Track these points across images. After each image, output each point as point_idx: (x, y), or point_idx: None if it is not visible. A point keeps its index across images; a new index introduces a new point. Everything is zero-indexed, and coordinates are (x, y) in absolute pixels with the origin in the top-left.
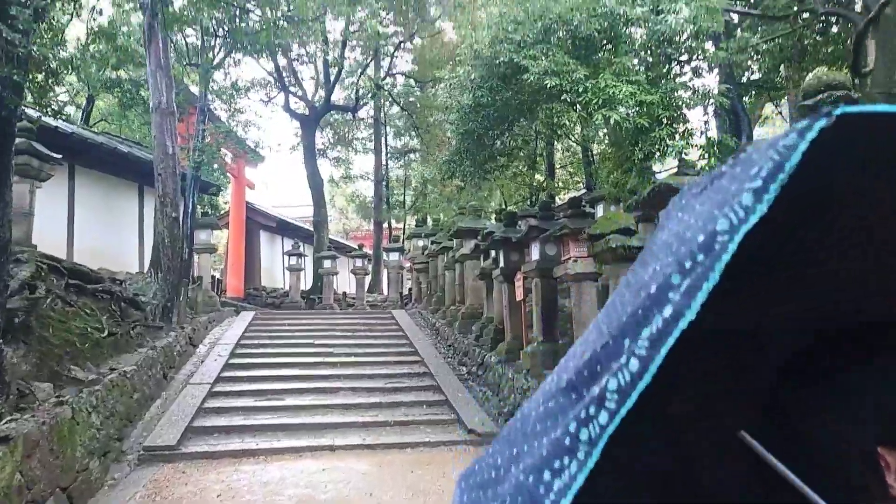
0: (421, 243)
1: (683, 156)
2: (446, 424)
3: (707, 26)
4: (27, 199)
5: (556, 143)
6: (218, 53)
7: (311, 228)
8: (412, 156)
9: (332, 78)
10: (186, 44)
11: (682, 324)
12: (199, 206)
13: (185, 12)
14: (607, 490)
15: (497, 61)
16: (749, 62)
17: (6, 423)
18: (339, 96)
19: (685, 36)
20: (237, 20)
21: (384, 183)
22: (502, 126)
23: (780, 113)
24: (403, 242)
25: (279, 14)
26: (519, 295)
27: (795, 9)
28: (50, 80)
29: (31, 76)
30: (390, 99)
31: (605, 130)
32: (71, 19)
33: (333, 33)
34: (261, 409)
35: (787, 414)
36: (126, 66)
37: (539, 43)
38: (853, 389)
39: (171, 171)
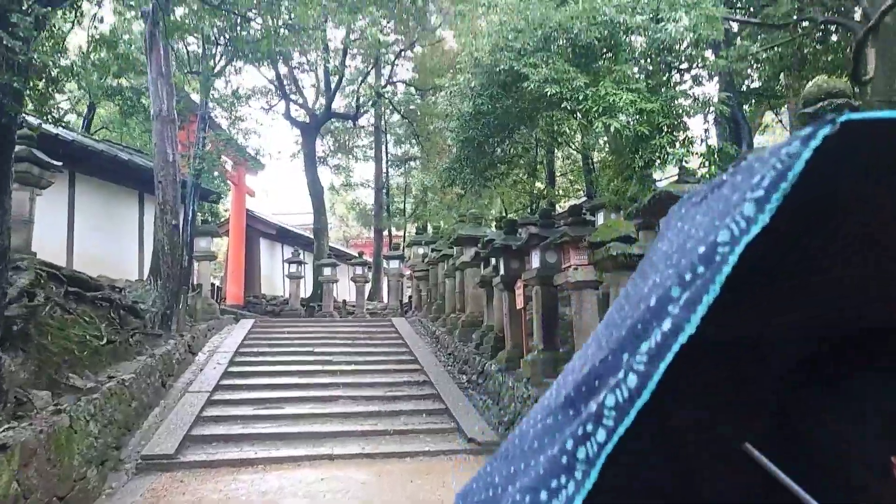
0: (421, 251)
1: (684, 164)
2: (446, 433)
3: (707, 35)
4: (27, 206)
5: (556, 150)
6: (219, 61)
7: (312, 236)
8: (412, 163)
9: (333, 86)
10: (188, 52)
11: (682, 338)
12: (199, 214)
13: (187, 21)
14: None
15: (497, 69)
16: (749, 70)
17: (3, 431)
18: (339, 104)
19: (685, 44)
20: (238, 28)
21: (384, 191)
22: (502, 134)
23: (781, 121)
24: (403, 250)
25: (280, 22)
26: (519, 303)
27: (795, 18)
28: (50, 88)
29: (31, 84)
30: (391, 107)
31: (605, 138)
32: (72, 27)
33: (334, 41)
34: (260, 418)
35: (789, 419)
36: (127, 74)
37: (539, 51)
38: (857, 396)
39: (172, 179)
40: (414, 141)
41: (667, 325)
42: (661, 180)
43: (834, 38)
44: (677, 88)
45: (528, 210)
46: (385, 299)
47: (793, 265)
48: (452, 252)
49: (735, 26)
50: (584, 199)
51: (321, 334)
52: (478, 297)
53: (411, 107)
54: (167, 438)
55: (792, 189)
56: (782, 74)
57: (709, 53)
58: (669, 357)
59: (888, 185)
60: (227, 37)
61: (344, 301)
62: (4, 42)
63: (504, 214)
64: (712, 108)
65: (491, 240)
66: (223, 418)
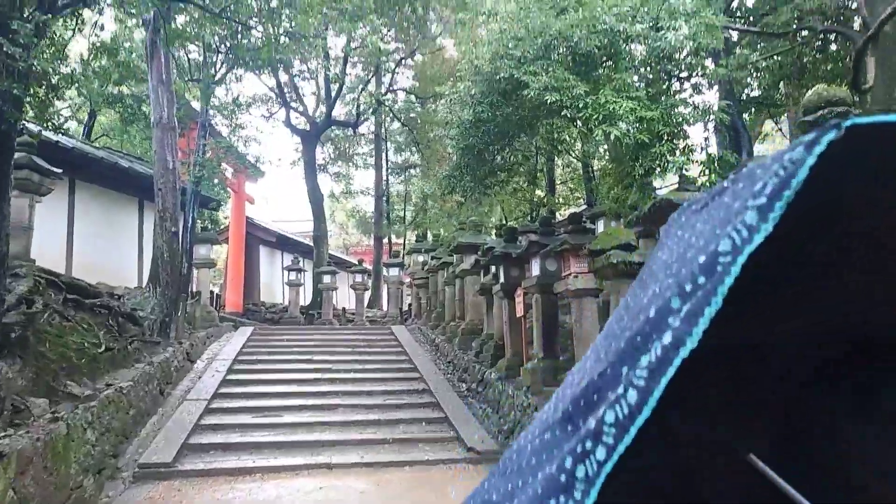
0: (421, 259)
1: (684, 172)
2: (445, 442)
3: (707, 43)
4: (27, 213)
5: (556, 158)
6: (220, 69)
7: (311, 243)
8: (413, 171)
9: (334, 94)
10: (188, 60)
11: (683, 352)
12: (198, 221)
13: (188, 28)
14: None
15: (497, 77)
16: (749, 79)
17: (0, 439)
18: (340, 112)
19: (685, 53)
20: (239, 36)
21: (384, 198)
22: (503, 141)
23: (780, 130)
24: (403, 258)
25: (281, 30)
26: (519, 311)
27: (794, 27)
28: (50, 95)
29: (31, 90)
30: (391, 114)
31: (605, 146)
32: (73, 35)
33: (335, 49)
34: (258, 426)
35: (794, 427)
36: (128, 81)
37: (539, 59)
38: (865, 402)
39: (172, 186)
40: (414, 149)
41: (667, 338)
42: (661, 188)
43: (833, 47)
44: (677, 97)
45: (528, 218)
46: (385, 307)
47: (796, 271)
48: (452, 260)
49: (735, 35)
50: (585, 207)
51: (320, 342)
52: (477, 305)
53: (411, 115)
54: (165, 447)
55: (795, 195)
56: (782, 83)
57: (709, 62)
58: (671, 372)
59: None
60: (228, 45)
61: (343, 309)
62: (5, 49)
63: (504, 222)
64: (712, 117)
65: (491, 247)
66: (221, 426)
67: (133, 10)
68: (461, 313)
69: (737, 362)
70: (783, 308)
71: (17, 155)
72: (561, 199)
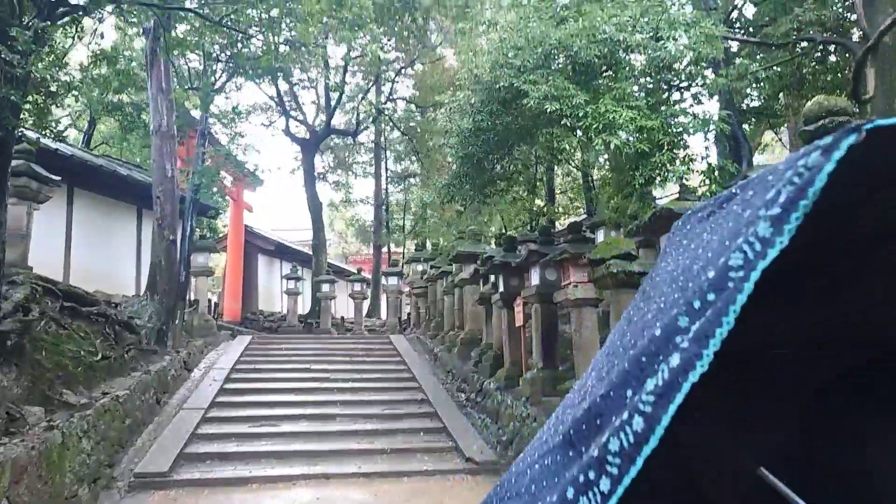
0: (420, 268)
1: (684, 181)
2: (444, 452)
3: (706, 53)
4: (24, 220)
5: (556, 167)
6: (219, 78)
7: (310, 252)
8: (412, 180)
9: (333, 102)
10: (188, 68)
11: (693, 377)
12: (197, 229)
13: (188, 37)
14: None
15: (497, 86)
16: (749, 89)
17: None
18: (339, 120)
19: (685, 63)
20: (239, 45)
21: (384, 207)
22: (502, 150)
23: (780, 140)
24: (402, 267)
25: (280, 39)
26: (518, 320)
27: (794, 37)
28: (49, 102)
29: (30, 97)
30: (391, 123)
31: (605, 156)
32: (73, 43)
33: (335, 58)
34: (255, 436)
35: (804, 438)
36: (128, 89)
37: (539, 68)
38: (881, 412)
39: (170, 194)
40: (414, 157)
41: (675, 360)
42: (661, 198)
43: (833, 58)
44: (677, 106)
45: (528, 227)
46: (383, 316)
47: (810, 276)
48: (451, 269)
49: (735, 46)
50: (584, 216)
51: (318, 351)
52: (477, 315)
53: (411, 123)
54: (161, 456)
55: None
56: (782, 94)
57: (709, 72)
58: (679, 398)
59: None
60: (228, 53)
61: (342, 318)
62: (3, 55)
63: (503, 231)
64: (712, 127)
65: (490, 257)
66: (218, 436)
67: (133, 19)
68: (460, 323)
69: (746, 371)
70: (796, 314)
71: (15, 162)
72: (561, 209)
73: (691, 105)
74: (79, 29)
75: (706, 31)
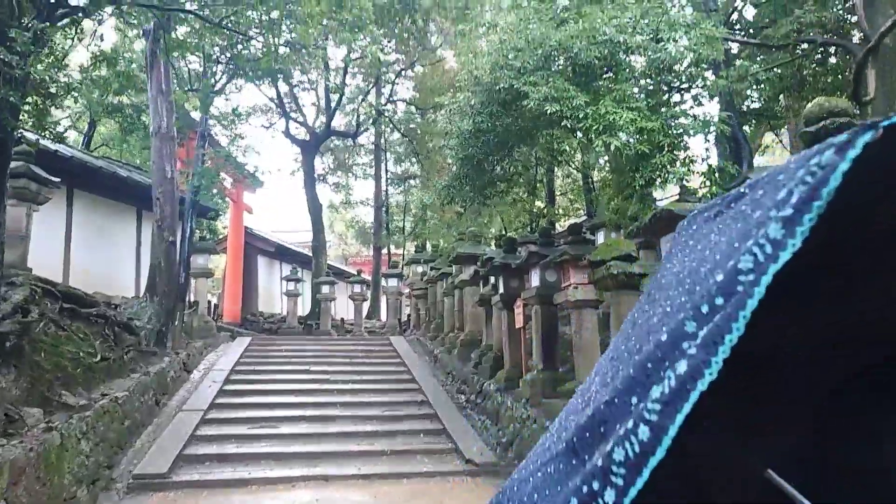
0: (420, 269)
1: (684, 183)
2: (444, 454)
3: (707, 55)
4: (24, 222)
5: (556, 169)
6: (219, 79)
7: (310, 254)
8: (412, 182)
9: (333, 104)
10: (188, 70)
11: (701, 385)
12: (197, 231)
13: (188, 39)
14: None
15: (497, 87)
16: (749, 91)
17: None
18: (339, 122)
19: (685, 64)
20: (239, 47)
21: (384, 209)
22: (502, 152)
23: (781, 142)
24: (402, 268)
25: (281, 41)
26: (518, 322)
27: (794, 39)
28: (48, 104)
29: (29, 99)
30: (391, 125)
31: (605, 157)
32: (73, 44)
33: (335, 60)
34: (254, 438)
35: (812, 440)
36: (128, 91)
37: (539, 69)
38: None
39: (170, 196)
40: (414, 159)
41: (682, 367)
42: (661, 199)
43: (833, 59)
44: (678, 108)
45: (528, 229)
46: (383, 318)
47: (827, 280)
48: (451, 270)
49: (735, 47)
50: (585, 217)
51: (318, 353)
52: (477, 316)
53: (411, 125)
54: (160, 457)
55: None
56: (782, 95)
57: (709, 74)
58: (687, 407)
59: None
60: (228, 55)
61: (342, 319)
62: (2, 56)
63: (503, 233)
64: (713, 128)
65: (490, 258)
66: (217, 437)
67: (133, 21)
68: (460, 324)
69: (755, 374)
70: (809, 315)
71: (15, 163)
72: (561, 210)
73: (692, 106)
74: (78, 30)
75: (706, 33)
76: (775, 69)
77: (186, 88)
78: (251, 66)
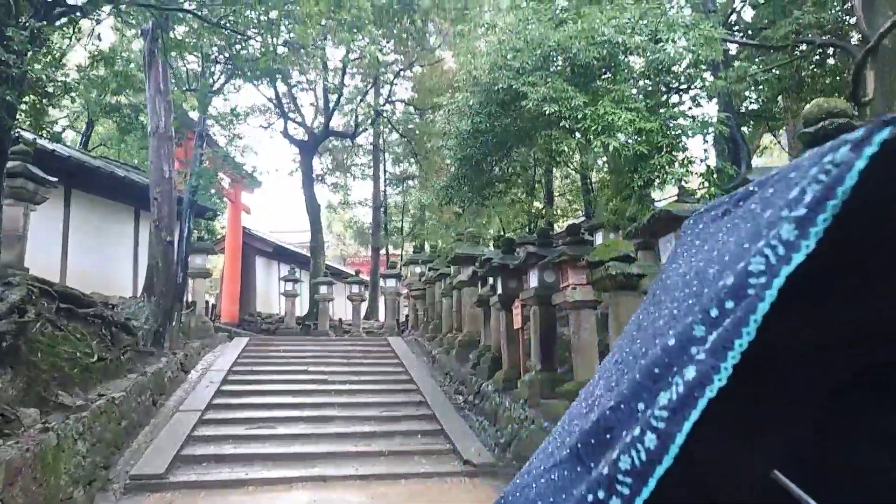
0: (418, 270)
1: (683, 183)
2: (442, 455)
3: (705, 55)
4: (21, 221)
5: (554, 170)
6: (218, 79)
7: (308, 254)
8: (411, 182)
9: (332, 104)
10: (186, 70)
11: (710, 392)
12: (194, 231)
13: (186, 38)
14: None
15: (496, 88)
16: (747, 92)
17: None
18: (338, 122)
19: (684, 65)
20: (237, 47)
21: (382, 209)
22: (501, 152)
23: (779, 143)
24: (401, 269)
25: (279, 41)
26: (517, 323)
27: (793, 40)
28: (45, 103)
29: (27, 98)
30: (389, 125)
31: (604, 158)
32: (71, 44)
33: (333, 60)
34: (252, 438)
35: (819, 441)
36: (126, 91)
37: (538, 70)
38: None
39: (167, 196)
40: (412, 159)
41: (690, 373)
42: (660, 200)
43: (832, 60)
44: (676, 108)
45: (527, 229)
46: (382, 318)
47: (841, 279)
48: (450, 271)
49: (734, 48)
50: (583, 218)
51: (316, 353)
52: (475, 317)
53: (410, 126)
54: (157, 458)
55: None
56: (781, 96)
57: (707, 75)
58: (695, 414)
59: None
60: (226, 55)
61: (340, 320)
62: None
63: (502, 233)
64: (711, 129)
65: (488, 259)
66: (214, 438)
67: (131, 20)
68: (458, 325)
69: (760, 375)
70: (823, 316)
71: (12, 163)
72: (559, 211)
73: (690, 107)
74: (76, 30)
75: (705, 34)
76: (774, 70)
77: (184, 88)
78: (249, 66)
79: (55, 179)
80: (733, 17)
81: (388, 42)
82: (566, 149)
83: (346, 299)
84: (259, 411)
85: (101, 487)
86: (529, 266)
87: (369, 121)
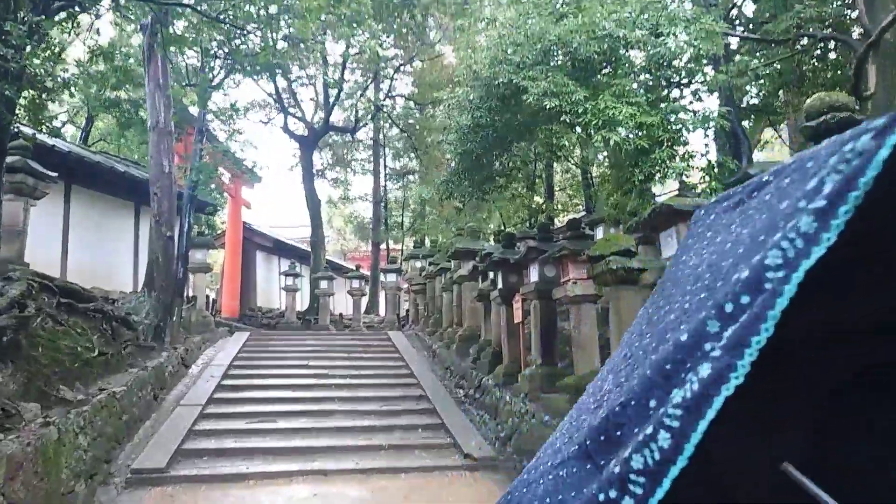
0: (419, 264)
1: (684, 178)
2: (442, 449)
3: (706, 50)
4: (21, 217)
5: (555, 164)
6: (217, 74)
7: (309, 249)
8: (411, 177)
9: (332, 99)
10: (186, 64)
11: (726, 391)
12: (195, 226)
13: (185, 33)
14: None
15: (496, 82)
16: (749, 86)
17: None
18: (338, 117)
19: (685, 59)
20: (237, 41)
21: (382, 204)
22: (501, 147)
23: (780, 137)
24: (401, 263)
25: (279, 36)
26: (517, 317)
27: (794, 34)
28: (44, 98)
29: (26, 93)
30: (389, 120)
31: (604, 152)
32: (69, 38)
33: (333, 55)
34: (252, 432)
35: (831, 434)
36: (125, 86)
37: (538, 64)
38: None
39: (167, 190)
40: (412, 154)
41: (705, 370)
42: (660, 195)
43: (833, 54)
44: (677, 103)
45: (527, 224)
46: (382, 313)
47: (863, 270)
48: (450, 266)
49: (735, 42)
50: (583, 213)
51: (317, 348)
52: (475, 311)
53: (410, 120)
54: (158, 452)
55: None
56: (782, 90)
57: (708, 69)
58: (711, 413)
59: None
60: (226, 50)
61: (340, 314)
62: None
63: (502, 228)
64: (712, 123)
65: (489, 253)
66: (215, 432)
67: (131, 15)
68: (459, 319)
69: (777, 366)
70: (845, 309)
71: (11, 158)
72: (560, 206)
73: (691, 102)
74: (75, 25)
75: (706, 28)
76: (775, 64)
77: (184, 83)
78: (249, 61)
79: (55, 175)
80: (734, 12)
81: (387, 37)
82: (567, 143)
83: (347, 294)
84: (260, 405)
85: (102, 481)
86: (530, 260)
87: (369, 116)
